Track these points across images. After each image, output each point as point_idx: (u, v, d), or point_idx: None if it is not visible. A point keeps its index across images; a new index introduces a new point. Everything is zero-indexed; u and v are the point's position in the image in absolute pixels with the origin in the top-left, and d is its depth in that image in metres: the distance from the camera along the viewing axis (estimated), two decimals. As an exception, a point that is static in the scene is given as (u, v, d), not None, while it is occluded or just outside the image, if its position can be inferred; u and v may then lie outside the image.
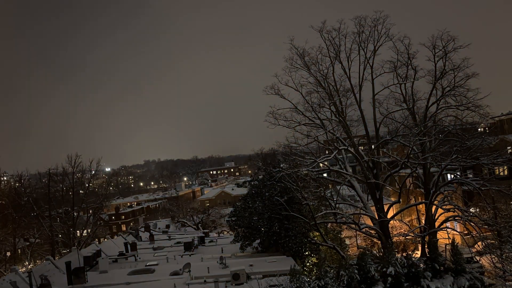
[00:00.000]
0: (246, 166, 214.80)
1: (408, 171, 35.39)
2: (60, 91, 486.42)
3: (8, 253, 49.36)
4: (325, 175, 40.07)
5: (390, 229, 35.21)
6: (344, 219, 34.27)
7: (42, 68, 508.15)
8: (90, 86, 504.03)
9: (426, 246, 33.04)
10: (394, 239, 36.54)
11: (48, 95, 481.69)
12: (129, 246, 37.42)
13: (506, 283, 24.54)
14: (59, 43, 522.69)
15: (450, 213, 33.67)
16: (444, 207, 33.81)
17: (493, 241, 30.77)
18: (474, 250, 32.42)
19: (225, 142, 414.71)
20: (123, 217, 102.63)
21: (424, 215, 35.78)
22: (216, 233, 57.66)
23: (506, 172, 44.78)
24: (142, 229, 53.08)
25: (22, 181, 55.94)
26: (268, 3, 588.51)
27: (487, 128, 62.50)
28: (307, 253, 30.40)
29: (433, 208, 33.69)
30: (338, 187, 37.86)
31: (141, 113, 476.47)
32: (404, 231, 39.68)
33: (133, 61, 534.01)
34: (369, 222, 35.93)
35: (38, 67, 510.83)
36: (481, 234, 31.02)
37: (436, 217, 33.96)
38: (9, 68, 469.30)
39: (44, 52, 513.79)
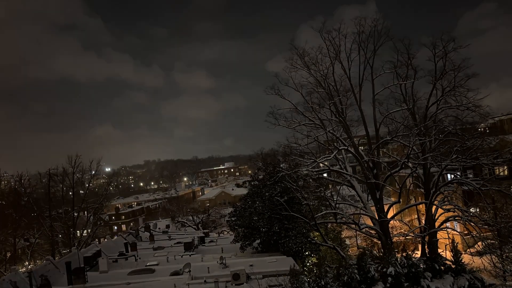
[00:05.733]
0: (246, 166, 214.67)
1: (408, 171, 35.37)
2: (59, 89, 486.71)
3: (8, 253, 49.40)
4: (325, 175, 40.05)
5: (390, 229, 35.20)
6: (344, 219, 34.28)
7: (41, 66, 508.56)
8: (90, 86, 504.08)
9: (426, 246, 33.15)
10: (394, 239, 36.54)
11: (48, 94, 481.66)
12: (129, 246, 37.40)
13: (506, 283, 24.55)
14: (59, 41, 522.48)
15: (450, 213, 33.67)
16: (444, 207, 33.81)
17: (493, 241, 30.78)
18: (474, 250, 32.39)
19: (225, 142, 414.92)
20: (123, 217, 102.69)
21: (424, 215, 35.77)
22: (216, 233, 57.61)
23: (506, 172, 44.83)
24: (142, 229, 53.06)
25: (22, 181, 55.84)
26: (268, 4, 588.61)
27: (487, 128, 62.48)
28: (307, 253, 30.40)
29: (433, 208, 33.68)
30: (338, 187, 37.91)
31: (141, 113, 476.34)
32: (404, 231, 39.67)
33: (133, 61, 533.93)
34: (369, 222, 35.93)
35: (37, 64, 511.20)
36: (481, 234, 31.03)
37: (436, 217, 33.96)
38: (8, 65, 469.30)
39: (41, 49, 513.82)
